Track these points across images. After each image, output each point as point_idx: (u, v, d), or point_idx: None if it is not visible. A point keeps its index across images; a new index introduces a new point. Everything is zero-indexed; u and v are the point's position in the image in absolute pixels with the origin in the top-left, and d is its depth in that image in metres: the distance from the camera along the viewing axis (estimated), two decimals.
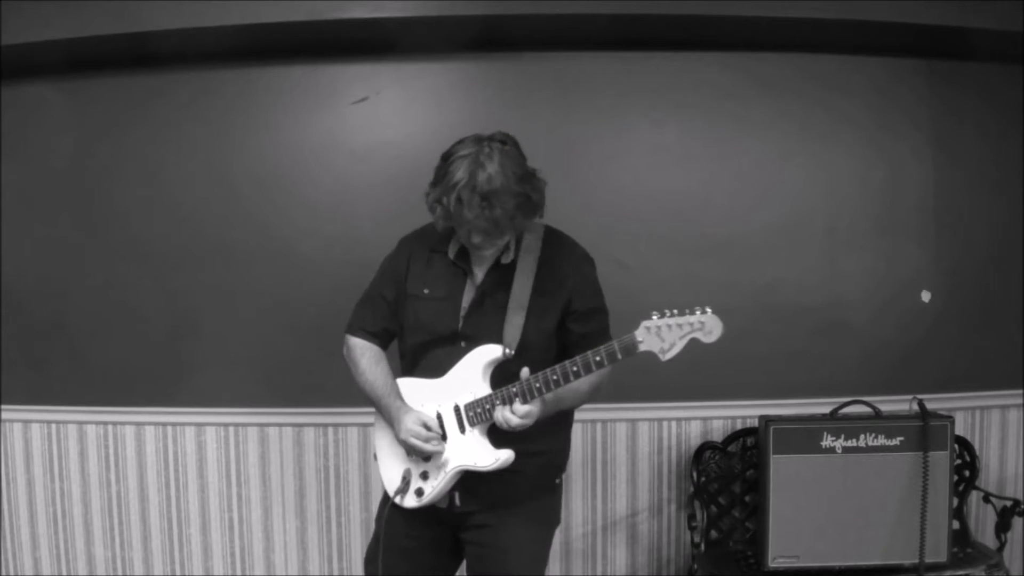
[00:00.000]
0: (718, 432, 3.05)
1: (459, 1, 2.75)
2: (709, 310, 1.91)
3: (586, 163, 3.02)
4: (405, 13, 2.74)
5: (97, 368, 3.08)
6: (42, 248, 3.08)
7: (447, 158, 2.01)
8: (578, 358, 1.98)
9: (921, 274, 3.07)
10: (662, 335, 1.91)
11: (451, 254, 2.15)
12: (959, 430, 2.94)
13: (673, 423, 3.06)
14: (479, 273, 2.14)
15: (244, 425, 3.07)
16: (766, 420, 2.74)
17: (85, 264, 3.07)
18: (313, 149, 3.02)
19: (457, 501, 2.15)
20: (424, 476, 2.14)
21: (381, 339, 2.26)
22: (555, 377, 1.99)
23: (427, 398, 2.14)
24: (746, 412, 3.01)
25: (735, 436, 2.98)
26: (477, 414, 2.07)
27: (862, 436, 2.69)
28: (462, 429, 2.10)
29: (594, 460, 3.07)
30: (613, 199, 3.03)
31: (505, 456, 2.06)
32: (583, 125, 3.02)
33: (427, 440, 2.08)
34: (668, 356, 1.93)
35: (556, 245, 2.16)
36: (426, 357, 2.17)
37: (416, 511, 2.17)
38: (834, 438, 2.69)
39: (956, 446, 2.82)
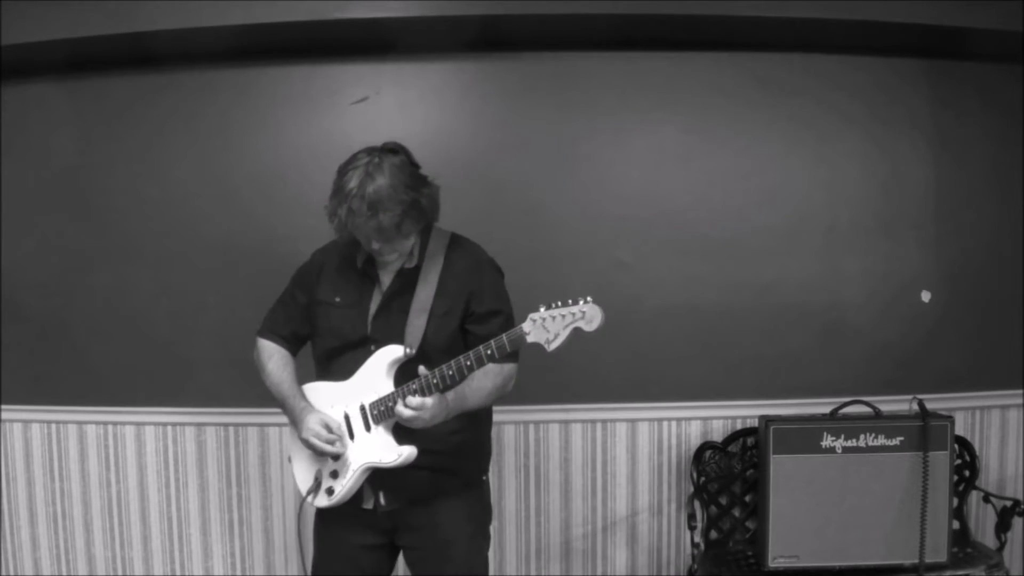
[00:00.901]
0: (718, 432, 3.05)
1: (459, 1, 2.75)
2: (591, 299, 1.94)
3: (586, 163, 3.03)
4: (405, 13, 2.75)
5: (97, 368, 3.08)
6: (42, 248, 3.08)
7: (342, 172, 2.10)
8: (471, 352, 2.03)
9: (921, 274, 3.07)
10: (547, 326, 1.95)
11: (359, 263, 2.23)
12: (959, 430, 2.94)
13: (673, 423, 3.06)
14: (386, 279, 2.22)
15: (244, 425, 3.07)
16: (766, 420, 2.74)
17: (85, 264, 3.07)
18: (313, 149, 3.01)
19: (382, 500, 2.20)
20: (334, 475, 2.19)
21: (290, 343, 2.34)
22: (450, 372, 2.04)
23: (335, 400, 2.20)
24: (746, 412, 3.01)
25: (735, 436, 2.98)
26: (381, 412, 2.13)
27: (862, 436, 2.69)
28: (367, 427, 2.15)
29: (594, 460, 3.07)
30: (613, 199, 3.03)
31: (407, 452, 2.11)
32: (583, 125, 3.02)
33: (328, 441, 2.14)
34: (553, 346, 1.95)
35: (459, 251, 2.24)
36: (337, 362, 2.23)
37: (350, 516, 2.22)
38: (834, 438, 2.69)
39: (956, 446, 2.82)
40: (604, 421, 3.05)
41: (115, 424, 3.09)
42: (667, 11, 2.73)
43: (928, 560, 2.64)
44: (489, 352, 2.01)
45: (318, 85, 3.01)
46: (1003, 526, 2.83)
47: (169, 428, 3.09)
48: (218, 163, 3.04)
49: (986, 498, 2.91)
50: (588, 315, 1.93)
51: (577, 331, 1.94)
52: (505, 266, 2.31)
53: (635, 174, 3.03)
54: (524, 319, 1.99)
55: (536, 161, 3.01)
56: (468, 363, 2.03)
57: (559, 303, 1.95)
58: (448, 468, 2.20)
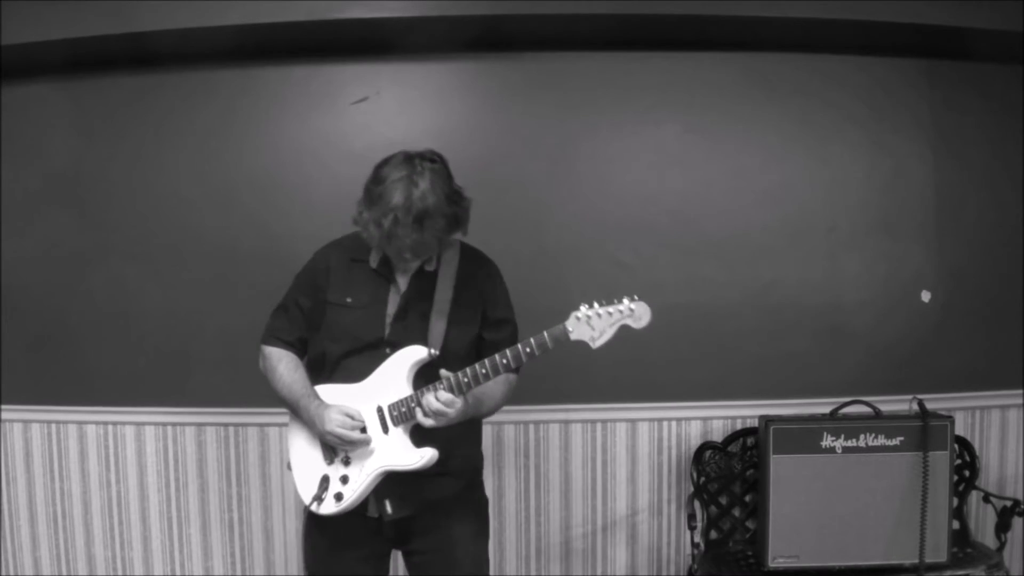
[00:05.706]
0: (718, 432, 3.05)
1: (459, 1, 2.75)
2: (637, 297, 2.00)
3: (586, 163, 3.03)
4: (405, 13, 2.74)
5: (97, 368, 3.08)
6: (42, 248, 3.07)
7: (381, 181, 2.02)
8: (508, 350, 2.03)
9: (921, 274, 3.07)
10: (592, 324, 1.99)
11: (373, 263, 2.18)
12: (959, 430, 2.94)
13: (673, 423, 3.06)
14: (402, 281, 2.17)
15: (244, 425, 3.07)
16: (766, 420, 2.74)
17: (85, 263, 3.07)
18: (313, 149, 3.02)
19: (388, 509, 2.15)
20: (344, 480, 2.14)
21: (296, 348, 2.28)
22: (484, 371, 2.04)
23: (347, 403, 2.14)
24: (746, 412, 3.01)
25: (735, 436, 2.98)
26: (401, 413, 2.09)
27: (862, 436, 2.69)
28: (385, 429, 2.11)
29: (594, 460, 3.07)
30: (613, 199, 3.03)
31: (430, 454, 2.07)
32: (583, 125, 3.02)
33: (352, 429, 2.09)
34: (599, 343, 2.00)
35: (470, 258, 2.23)
36: (347, 363, 2.17)
37: (353, 525, 2.17)
38: (834, 438, 2.69)
39: (956, 446, 2.83)
40: (604, 421, 3.05)
41: (115, 424, 3.09)
42: (667, 11, 2.73)
43: (928, 560, 2.64)
44: (528, 350, 2.01)
45: (318, 85, 3.01)
46: (1003, 526, 2.83)
47: (169, 428, 3.08)
48: (217, 163, 3.04)
49: (986, 498, 2.91)
50: (637, 312, 1.99)
51: (624, 328, 1.98)
52: (505, 266, 2.30)
53: (635, 174, 3.03)
54: (566, 317, 2.00)
55: (536, 161, 3.01)
56: (504, 361, 2.03)
57: (604, 301, 2.00)
58: (453, 473, 2.17)
